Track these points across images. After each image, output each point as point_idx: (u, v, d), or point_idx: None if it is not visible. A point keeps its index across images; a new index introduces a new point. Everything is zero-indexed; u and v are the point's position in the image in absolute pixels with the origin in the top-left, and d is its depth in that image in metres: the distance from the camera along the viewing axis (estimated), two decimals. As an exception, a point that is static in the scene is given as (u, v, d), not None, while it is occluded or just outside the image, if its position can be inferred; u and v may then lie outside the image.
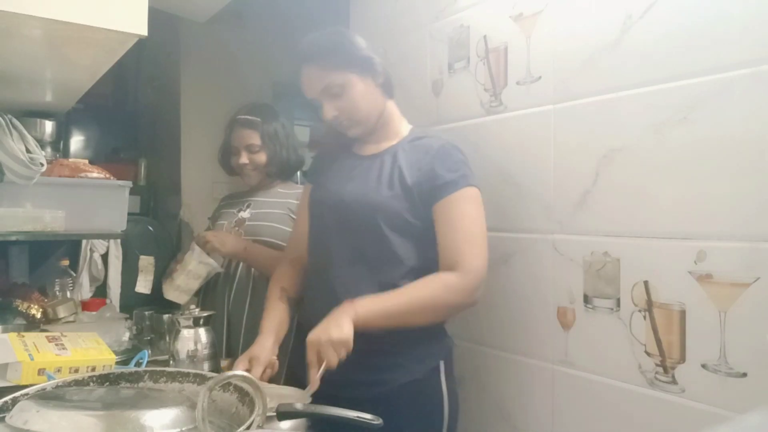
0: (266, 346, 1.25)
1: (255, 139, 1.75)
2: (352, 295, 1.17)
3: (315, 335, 1.12)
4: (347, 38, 1.27)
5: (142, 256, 1.75)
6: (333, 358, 1.09)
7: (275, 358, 1.25)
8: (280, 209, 1.76)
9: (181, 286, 1.68)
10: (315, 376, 1.09)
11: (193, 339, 1.33)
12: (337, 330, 1.10)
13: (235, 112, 1.83)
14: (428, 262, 1.23)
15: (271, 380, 1.24)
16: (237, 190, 1.95)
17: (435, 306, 1.20)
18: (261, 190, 1.83)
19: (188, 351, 1.32)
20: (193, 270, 1.67)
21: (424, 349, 1.26)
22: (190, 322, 1.34)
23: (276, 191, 1.82)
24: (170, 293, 1.70)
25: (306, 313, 1.36)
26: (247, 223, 1.77)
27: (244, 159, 1.76)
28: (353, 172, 1.31)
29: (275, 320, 1.32)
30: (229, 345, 1.73)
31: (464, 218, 1.21)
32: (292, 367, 1.44)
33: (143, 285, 1.73)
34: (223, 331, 1.72)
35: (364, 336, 1.15)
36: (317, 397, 1.05)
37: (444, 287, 1.18)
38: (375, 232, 1.22)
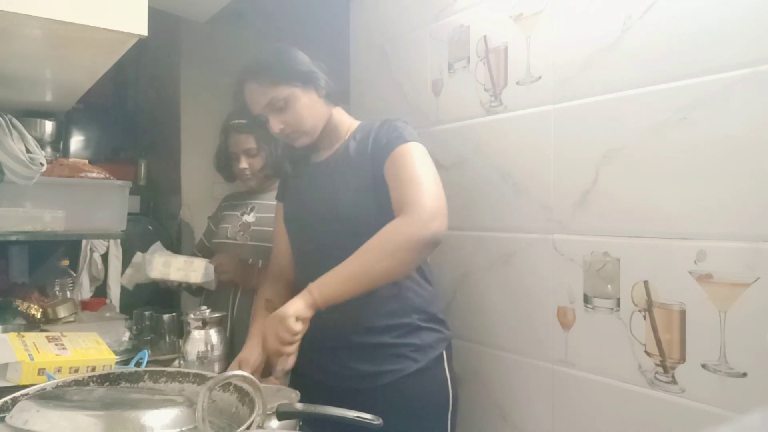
0: (254, 350, 1.28)
1: (251, 142, 1.74)
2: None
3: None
4: (288, 54, 1.31)
5: (138, 253, 1.72)
6: (269, 334, 1.12)
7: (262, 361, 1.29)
8: None
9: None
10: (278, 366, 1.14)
11: (203, 340, 1.32)
12: (281, 309, 1.13)
13: (227, 117, 1.82)
14: None
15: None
16: (237, 190, 1.94)
17: (390, 251, 1.13)
18: (263, 192, 1.82)
19: (198, 352, 1.31)
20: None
21: (426, 340, 1.29)
22: (200, 323, 1.32)
23: None
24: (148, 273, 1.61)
25: None
26: (252, 227, 1.76)
27: (244, 164, 1.75)
28: (317, 182, 1.34)
29: (262, 326, 1.34)
30: (233, 349, 1.73)
31: (407, 167, 1.20)
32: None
33: (128, 279, 1.68)
34: (225, 334, 1.72)
35: (363, 330, 1.18)
36: (323, 391, 1.06)
37: (393, 229, 1.15)
38: (358, 228, 1.23)
